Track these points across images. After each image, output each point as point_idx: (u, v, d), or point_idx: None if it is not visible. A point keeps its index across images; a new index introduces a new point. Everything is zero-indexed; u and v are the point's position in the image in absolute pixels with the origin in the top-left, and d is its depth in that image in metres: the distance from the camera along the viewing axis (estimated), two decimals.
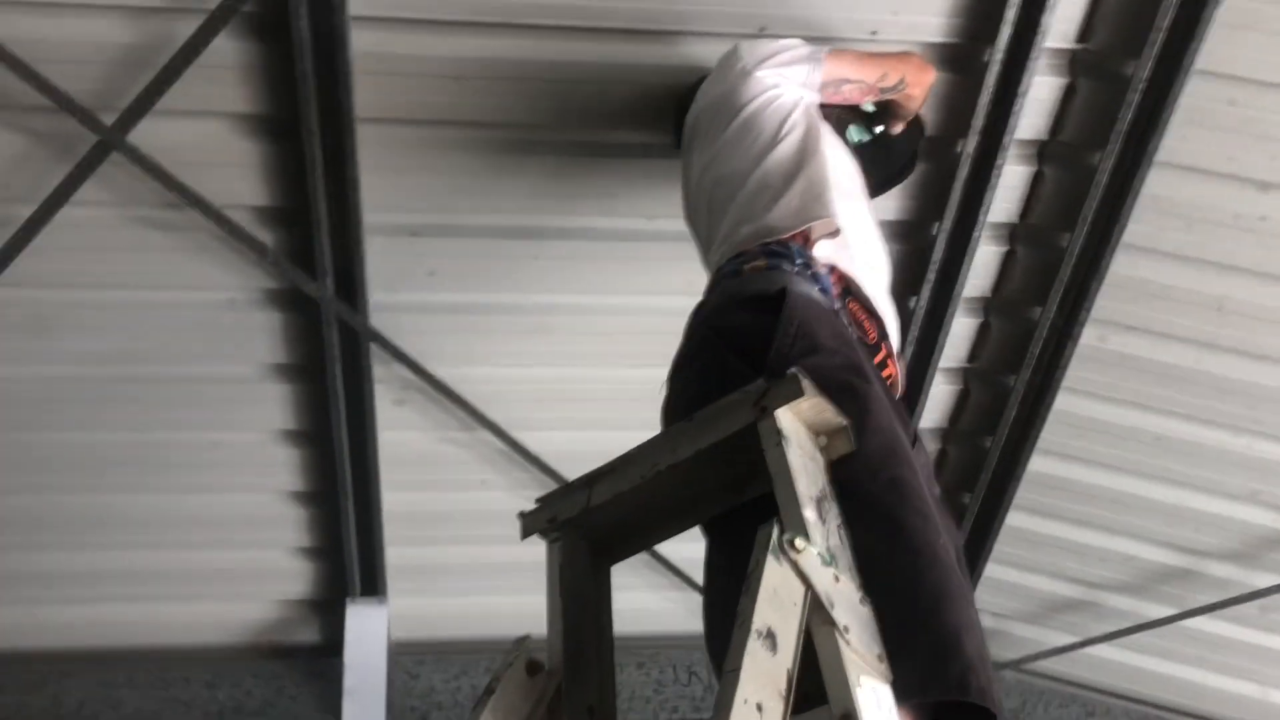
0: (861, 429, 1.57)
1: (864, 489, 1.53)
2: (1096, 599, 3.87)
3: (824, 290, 1.91)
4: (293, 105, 2.60)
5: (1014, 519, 3.65)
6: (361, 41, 2.54)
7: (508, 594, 3.73)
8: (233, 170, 2.73)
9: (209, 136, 2.67)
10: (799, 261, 1.93)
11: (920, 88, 2.51)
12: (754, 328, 1.75)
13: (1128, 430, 3.40)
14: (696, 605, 4.16)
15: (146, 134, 2.59)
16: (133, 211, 2.78)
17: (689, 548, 3.58)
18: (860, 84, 2.40)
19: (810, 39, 2.56)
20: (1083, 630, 3.93)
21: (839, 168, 2.18)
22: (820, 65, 2.30)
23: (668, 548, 3.64)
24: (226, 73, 2.57)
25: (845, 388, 1.64)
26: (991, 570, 3.82)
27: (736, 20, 2.61)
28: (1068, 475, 3.55)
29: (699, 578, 3.77)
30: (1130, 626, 3.82)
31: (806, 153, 2.15)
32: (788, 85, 2.27)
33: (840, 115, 2.49)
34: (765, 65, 2.27)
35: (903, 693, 1.25)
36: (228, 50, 2.53)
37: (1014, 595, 3.95)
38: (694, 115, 2.41)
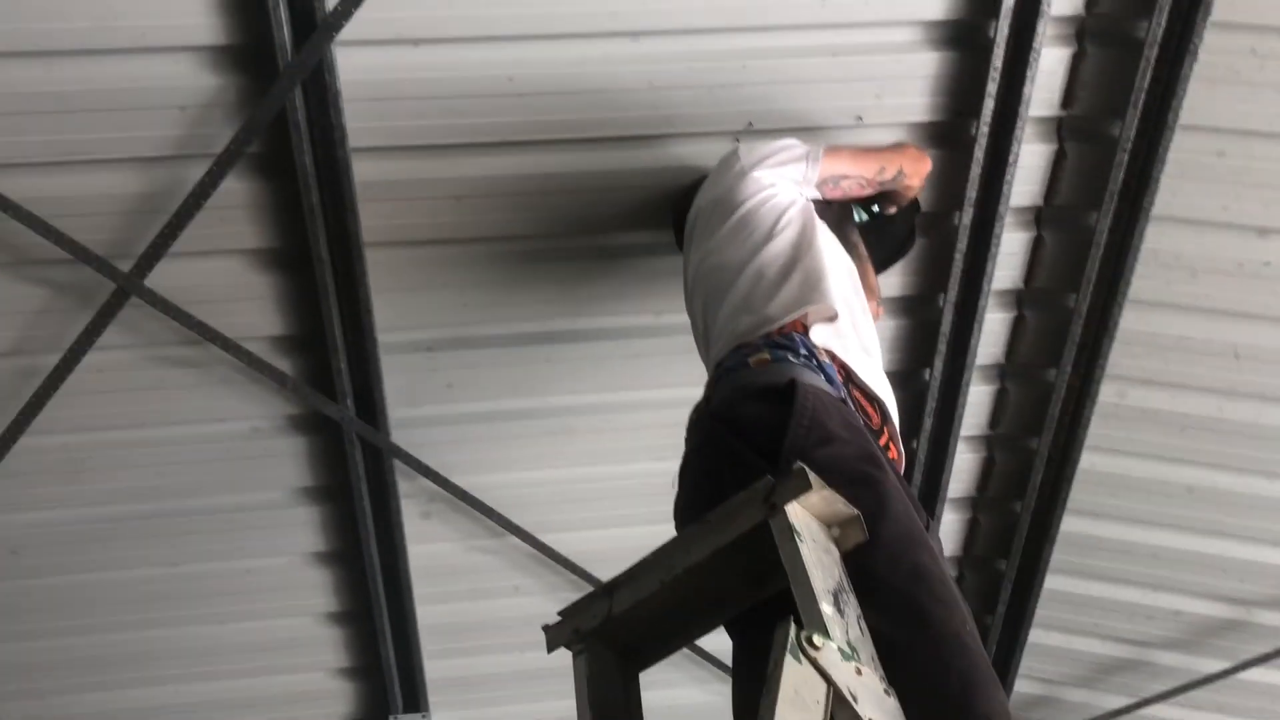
0: (880, 518, 1.60)
1: (885, 579, 1.55)
2: (1147, 657, 3.80)
3: (830, 380, 1.94)
4: (302, 237, 2.67)
5: (1053, 582, 3.61)
6: (363, 171, 2.62)
7: (549, 700, 3.73)
8: (249, 304, 2.80)
9: (223, 273, 2.74)
10: (803, 353, 1.97)
11: (918, 177, 2.58)
12: (765, 420, 1.78)
13: (1158, 484, 3.37)
14: None
15: (163, 276, 2.66)
16: (154, 352, 2.85)
17: (725, 639, 3.59)
18: (859, 179, 2.47)
19: (797, 130, 2.65)
20: (1137, 691, 3.86)
21: (835, 260, 2.22)
22: (817, 163, 2.36)
23: (708, 640, 3.60)
24: (236, 212, 2.66)
25: (861, 478, 1.67)
26: (1036, 635, 3.77)
27: (724, 119, 2.67)
28: (1102, 534, 3.51)
29: None
30: (1185, 684, 3.74)
31: (802, 247, 2.19)
32: (784, 184, 2.32)
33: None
34: (762, 165, 2.33)
35: None
36: (236, 190, 2.62)
37: (1062, 660, 3.88)
38: (694, 214, 2.46)
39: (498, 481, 3.25)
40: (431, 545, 3.34)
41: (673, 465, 3.26)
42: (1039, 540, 3.52)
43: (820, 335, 2.03)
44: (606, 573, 3.50)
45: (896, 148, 2.64)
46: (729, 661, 3.68)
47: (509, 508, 3.28)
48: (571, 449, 3.24)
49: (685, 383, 2.83)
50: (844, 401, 1.90)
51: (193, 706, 3.59)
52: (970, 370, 3.14)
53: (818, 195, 2.43)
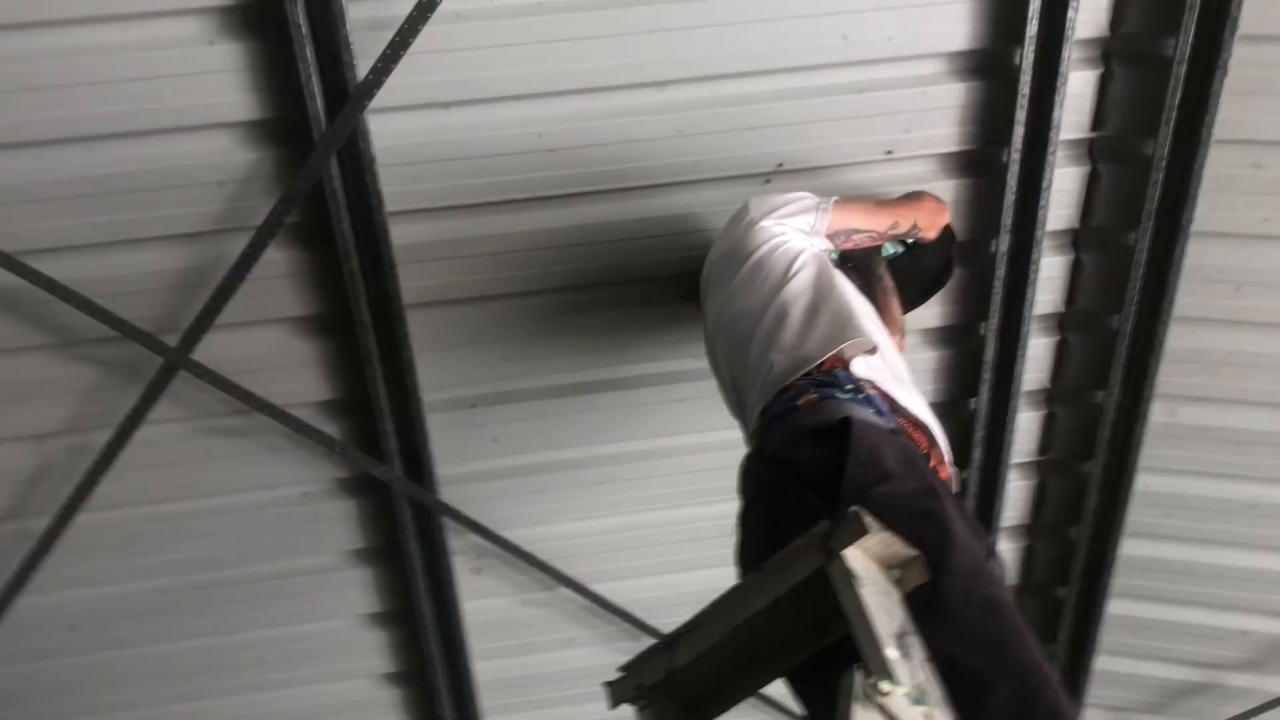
0: (948, 550, 1.61)
1: (959, 611, 1.56)
2: (1217, 680, 3.71)
3: (879, 411, 1.94)
4: (344, 302, 2.70)
5: (1115, 607, 3.55)
6: (400, 234, 2.66)
7: None
8: (294, 371, 2.83)
9: (268, 342, 2.78)
10: (849, 387, 1.97)
11: (934, 230, 2.63)
12: (822, 461, 1.78)
13: (1216, 501, 3.31)
14: None
15: (210, 349, 2.70)
16: (204, 423, 2.88)
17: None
18: (871, 233, 2.52)
19: (828, 168, 2.66)
20: (1209, 715, 3.76)
21: (857, 300, 2.25)
22: (826, 214, 2.40)
23: (775, 686, 3.57)
24: (279, 281, 2.69)
25: (924, 513, 1.68)
26: (1102, 663, 3.70)
27: (754, 162, 2.69)
28: (1162, 555, 3.45)
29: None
30: (1258, 706, 3.65)
31: (822, 287, 2.21)
32: (793, 233, 2.35)
33: None
34: (771, 216, 2.37)
35: None
36: (278, 260, 2.65)
37: (1130, 687, 3.80)
38: (707, 269, 2.50)
39: (547, 534, 3.24)
40: (484, 601, 3.34)
41: (720, 509, 3.27)
42: (1098, 566, 3.46)
43: (860, 368, 2.04)
44: (661, 620, 3.51)
45: (914, 199, 2.67)
46: (793, 706, 3.65)
47: (560, 559, 3.27)
48: (618, 497, 3.24)
49: (729, 425, 2.82)
50: (894, 432, 1.89)
51: None
52: (1017, 397, 3.11)
53: (828, 246, 2.46)
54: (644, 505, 3.27)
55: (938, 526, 1.65)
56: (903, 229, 2.60)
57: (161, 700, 3.39)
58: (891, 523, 1.58)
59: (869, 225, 2.52)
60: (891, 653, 1.32)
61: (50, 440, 2.85)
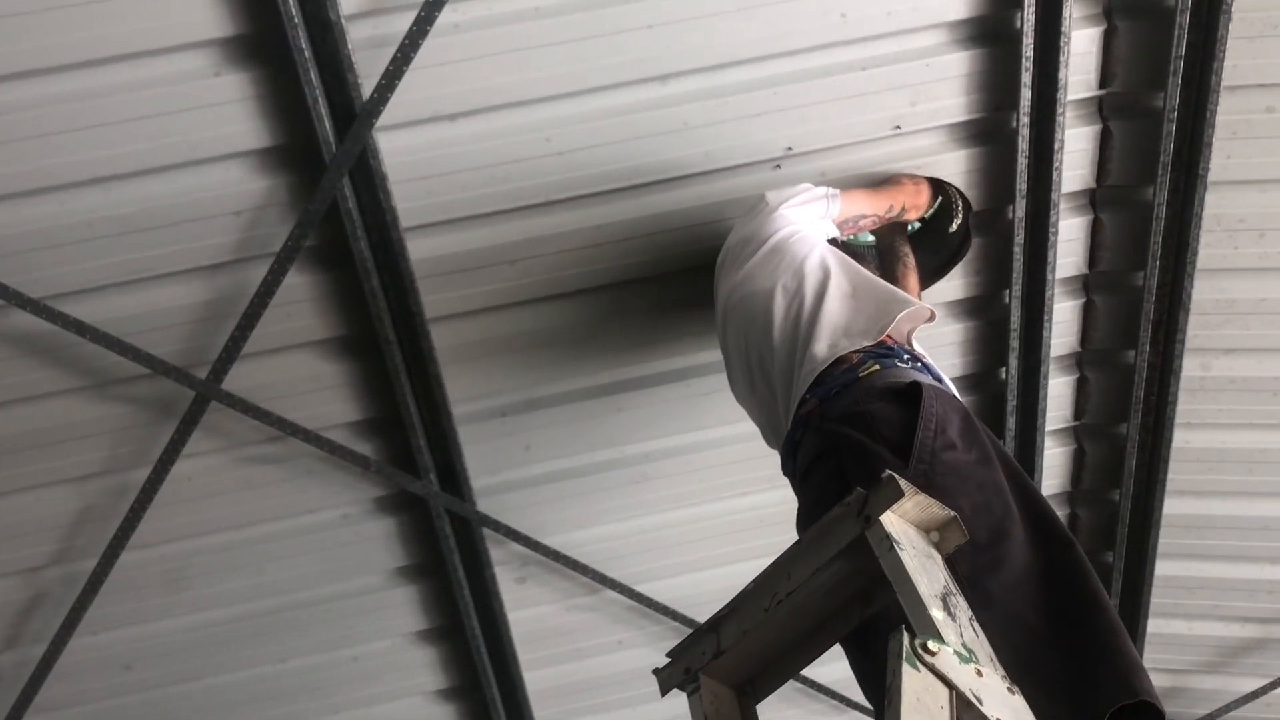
0: (1012, 521, 1.69)
1: (1026, 580, 1.64)
2: (1273, 634, 3.67)
3: (937, 379, 2.03)
4: (368, 322, 2.72)
5: (1164, 568, 3.51)
6: (418, 249, 2.67)
7: None
8: (324, 393, 2.85)
9: (297, 367, 2.80)
10: (905, 357, 2.05)
11: (917, 211, 2.73)
12: (894, 418, 1.84)
13: (1257, 453, 3.28)
14: None
15: (239, 378, 2.72)
16: (240, 453, 2.91)
17: (841, 667, 3.53)
18: (873, 217, 2.62)
19: (837, 147, 2.67)
20: (1269, 670, 3.71)
21: (884, 280, 2.31)
22: (837, 200, 2.51)
23: (818, 671, 3.57)
24: (302, 306, 2.72)
25: (989, 483, 1.74)
26: (1155, 625, 3.66)
27: (762, 148, 2.69)
28: (1206, 512, 3.42)
29: (856, 696, 3.69)
30: None
31: (850, 272, 2.27)
32: (809, 220, 2.44)
33: None
34: (788, 204, 2.45)
35: (1109, 699, 1.45)
36: (299, 285, 2.68)
37: (1186, 648, 3.76)
38: (722, 254, 2.55)
39: (587, 537, 3.25)
40: (530, 610, 3.35)
41: (756, 499, 3.29)
42: (1143, 527, 3.43)
43: (915, 341, 2.15)
44: (708, 616, 3.48)
45: (897, 184, 2.72)
46: (843, 692, 3.65)
47: (602, 562, 3.27)
48: (654, 495, 3.24)
49: None
50: (954, 398, 1.97)
51: None
52: (1046, 363, 3.09)
53: (837, 234, 2.55)
54: (681, 501, 3.27)
55: (1000, 497, 1.71)
56: (896, 211, 2.69)
57: None
58: (959, 488, 1.64)
59: (872, 210, 2.62)
60: (937, 613, 1.32)
61: (90, 482, 2.89)
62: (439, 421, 2.91)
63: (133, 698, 3.28)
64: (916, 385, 1.86)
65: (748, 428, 3.08)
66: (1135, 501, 3.40)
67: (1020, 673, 1.46)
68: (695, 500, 3.27)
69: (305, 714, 3.41)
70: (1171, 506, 3.36)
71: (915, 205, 2.71)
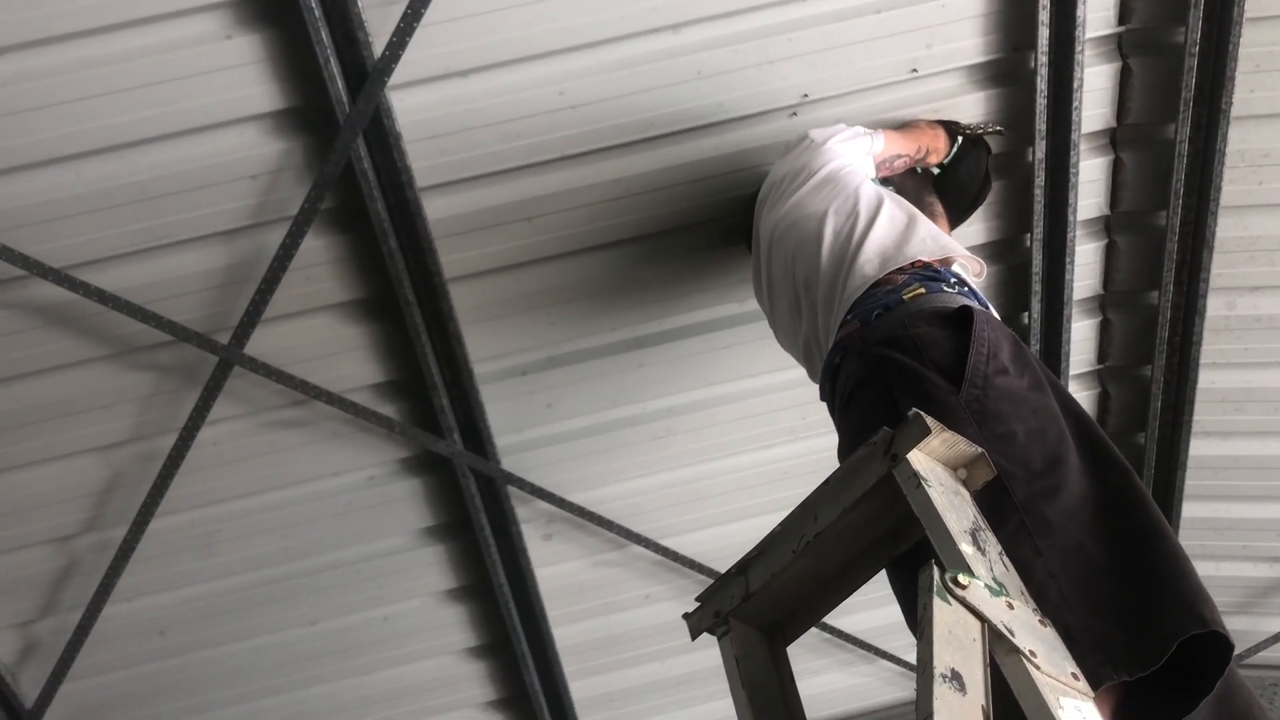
0: (1067, 448, 1.66)
1: (1083, 507, 1.61)
2: None
3: (984, 305, 1.99)
4: (386, 283, 2.73)
5: (1191, 510, 3.50)
6: (434, 209, 2.67)
7: (697, 705, 3.73)
8: (346, 356, 2.86)
9: (317, 330, 2.81)
10: (952, 281, 2.00)
11: (937, 155, 2.70)
12: (944, 342, 1.80)
13: None
14: (890, 675, 4.09)
15: (261, 343, 2.74)
16: (264, 417, 2.92)
17: (868, 617, 3.55)
18: (907, 158, 2.61)
19: (854, 92, 2.64)
20: None
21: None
22: (880, 137, 2.49)
23: (847, 621, 3.58)
24: (320, 269, 2.72)
25: (1042, 409, 1.71)
26: None
27: (778, 95, 2.66)
28: (1233, 452, 3.40)
29: (886, 645, 3.70)
30: None
31: (905, 205, 2.23)
32: (855, 157, 2.41)
33: None
34: (834, 140, 2.43)
35: (1176, 628, 1.42)
36: (317, 248, 2.68)
37: (1214, 589, 3.62)
38: (766, 188, 2.51)
39: (612, 493, 3.26)
40: (557, 566, 3.36)
41: (780, 452, 3.30)
42: (1169, 469, 3.42)
43: (958, 267, 2.10)
44: None
45: (918, 127, 2.69)
46: (871, 641, 3.66)
47: (627, 517, 3.29)
48: (677, 450, 3.24)
49: (778, 367, 2.84)
50: (1002, 323, 1.92)
51: None
52: (1069, 306, 3.07)
53: (876, 173, 2.51)
54: (704, 455, 3.27)
55: (1055, 423, 1.67)
56: (923, 152, 2.65)
57: (256, 695, 3.45)
58: (1013, 413, 1.61)
59: (906, 150, 2.59)
60: (967, 548, 1.31)
61: (118, 450, 2.91)
62: (460, 381, 2.92)
63: (168, 662, 3.32)
64: (967, 309, 1.82)
65: (770, 380, 3.10)
66: (1161, 444, 3.38)
67: (1081, 601, 1.46)
68: (718, 454, 3.28)
69: (337, 675, 3.45)
70: (1198, 448, 3.35)
71: (935, 149, 2.68)
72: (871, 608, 3.51)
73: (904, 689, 3.84)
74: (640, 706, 3.75)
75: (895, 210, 2.19)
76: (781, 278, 2.35)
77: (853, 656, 3.75)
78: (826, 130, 2.47)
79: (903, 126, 2.69)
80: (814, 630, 3.63)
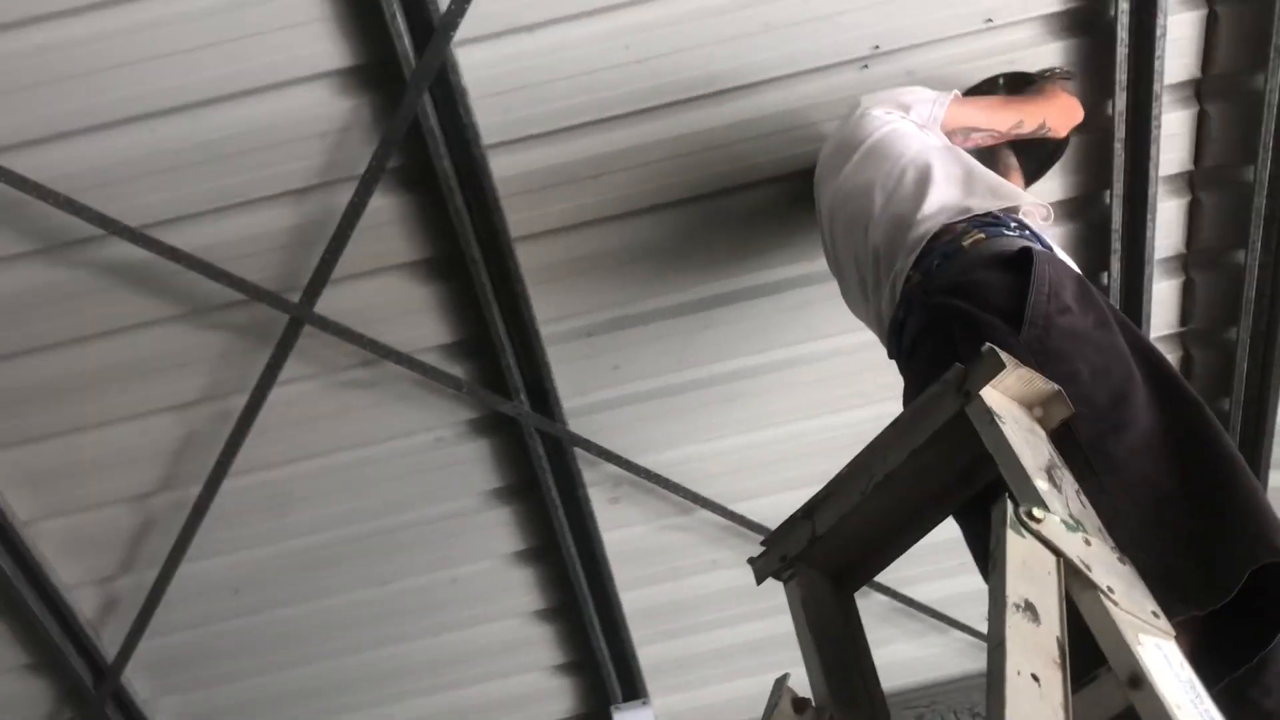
0: (1133, 384, 1.63)
1: (1153, 441, 1.58)
2: None
3: (1047, 247, 1.95)
4: (454, 242, 2.73)
5: (1278, 479, 3.38)
6: (500, 166, 2.66)
7: (765, 673, 3.68)
8: (414, 316, 2.88)
9: (386, 290, 2.82)
10: (1013, 225, 1.97)
11: (1065, 129, 2.59)
12: (1004, 286, 1.77)
13: None
14: (962, 646, 4.02)
15: (331, 302, 2.76)
16: (334, 378, 2.95)
17: (941, 586, 3.49)
18: (991, 132, 2.49)
19: (925, 44, 2.58)
20: None
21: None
22: (943, 106, 2.37)
23: (919, 591, 3.53)
24: (388, 228, 2.73)
25: (1109, 346, 1.68)
26: None
27: (847, 47, 2.61)
28: None
29: (958, 615, 3.63)
30: None
31: (961, 158, 2.18)
32: (906, 123, 2.33)
33: None
34: (883, 105, 2.37)
35: (1248, 557, 1.40)
36: (384, 207, 2.69)
37: None
38: (820, 166, 2.49)
39: (679, 457, 3.24)
40: (624, 530, 3.36)
41: (850, 416, 3.24)
42: (1255, 436, 3.30)
43: (1022, 214, 2.06)
44: None
45: (1045, 94, 2.59)
46: (943, 610, 3.60)
47: (694, 481, 3.26)
48: (746, 413, 3.21)
49: (849, 329, 2.78)
50: (1066, 264, 1.90)
51: None
52: (1150, 265, 2.98)
53: (940, 141, 2.38)
54: (773, 420, 3.24)
55: (1121, 360, 1.65)
56: (1028, 128, 2.55)
57: (326, 655, 3.50)
58: (1076, 352, 1.59)
59: (989, 124, 2.49)
60: (1042, 484, 1.28)
61: (192, 409, 2.96)
62: (528, 341, 2.91)
63: (241, 621, 3.38)
64: (1027, 250, 1.79)
65: (840, 342, 3.05)
66: (1247, 410, 3.27)
67: (1150, 536, 1.42)
68: (787, 418, 3.24)
69: (408, 635, 3.48)
70: None
71: (1064, 123, 2.58)
72: (945, 576, 3.46)
73: (977, 660, 3.77)
74: (709, 672, 3.74)
75: (949, 167, 2.15)
76: (846, 257, 2.33)
77: (924, 627, 3.69)
78: (881, 95, 2.41)
79: (1034, 92, 2.60)
80: (884, 599, 3.61)
